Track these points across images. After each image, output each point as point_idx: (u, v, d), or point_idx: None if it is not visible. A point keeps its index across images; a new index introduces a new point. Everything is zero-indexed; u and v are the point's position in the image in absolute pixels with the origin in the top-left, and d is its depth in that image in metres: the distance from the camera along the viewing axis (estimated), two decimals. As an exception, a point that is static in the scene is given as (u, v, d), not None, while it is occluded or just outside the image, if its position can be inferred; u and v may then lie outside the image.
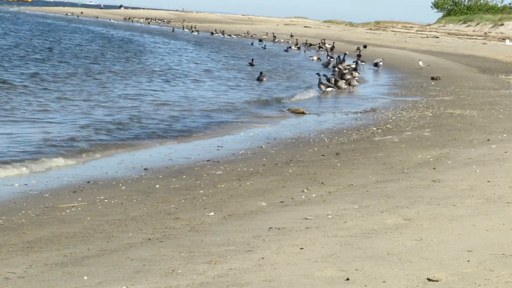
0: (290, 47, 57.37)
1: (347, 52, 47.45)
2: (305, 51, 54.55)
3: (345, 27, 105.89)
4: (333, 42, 58.19)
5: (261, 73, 31.71)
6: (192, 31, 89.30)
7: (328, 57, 42.16)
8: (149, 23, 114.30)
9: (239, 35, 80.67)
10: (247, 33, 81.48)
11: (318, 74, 28.43)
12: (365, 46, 52.24)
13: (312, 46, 58.84)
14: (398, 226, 7.44)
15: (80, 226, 8.36)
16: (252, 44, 61.61)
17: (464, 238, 6.84)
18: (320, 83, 27.44)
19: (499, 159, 11.60)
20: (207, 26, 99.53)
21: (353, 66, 34.56)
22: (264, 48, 57.35)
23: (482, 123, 17.11)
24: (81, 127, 16.39)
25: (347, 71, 32.70)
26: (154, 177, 11.57)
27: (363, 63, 38.45)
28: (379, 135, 15.80)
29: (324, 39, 61.39)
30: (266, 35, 75.00)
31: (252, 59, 40.10)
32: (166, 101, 22.79)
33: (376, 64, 39.07)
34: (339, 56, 36.30)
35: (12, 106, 19.51)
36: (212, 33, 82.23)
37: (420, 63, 39.37)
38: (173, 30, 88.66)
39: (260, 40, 67.44)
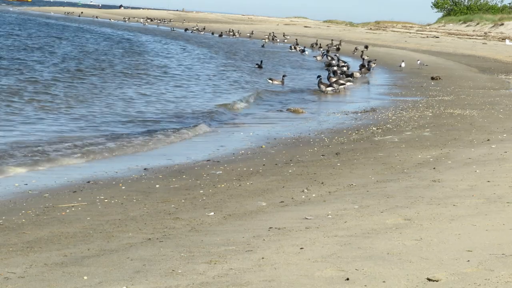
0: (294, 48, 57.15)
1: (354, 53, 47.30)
2: (306, 52, 54.34)
3: (345, 27, 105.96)
4: (340, 41, 58.10)
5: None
6: (193, 31, 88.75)
7: (329, 57, 42.12)
8: (145, 24, 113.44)
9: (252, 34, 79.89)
10: (252, 33, 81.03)
11: (319, 76, 28.39)
12: (366, 47, 52.19)
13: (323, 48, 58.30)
14: (398, 226, 7.44)
15: (80, 226, 8.35)
16: (263, 46, 61.10)
17: (464, 238, 6.84)
18: (320, 82, 27.44)
19: (499, 159, 11.60)
20: (208, 26, 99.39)
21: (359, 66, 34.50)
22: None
23: (482, 123, 17.10)
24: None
25: (352, 69, 32.68)
26: (154, 177, 11.56)
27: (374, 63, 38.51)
28: (379, 135, 15.80)
29: (333, 40, 61.44)
30: (269, 35, 74.91)
31: (261, 61, 39.57)
32: (168, 101, 22.95)
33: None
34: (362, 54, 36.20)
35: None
36: (220, 35, 79.09)
37: (418, 62, 39.41)
38: (182, 30, 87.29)
39: (266, 40, 67.45)
